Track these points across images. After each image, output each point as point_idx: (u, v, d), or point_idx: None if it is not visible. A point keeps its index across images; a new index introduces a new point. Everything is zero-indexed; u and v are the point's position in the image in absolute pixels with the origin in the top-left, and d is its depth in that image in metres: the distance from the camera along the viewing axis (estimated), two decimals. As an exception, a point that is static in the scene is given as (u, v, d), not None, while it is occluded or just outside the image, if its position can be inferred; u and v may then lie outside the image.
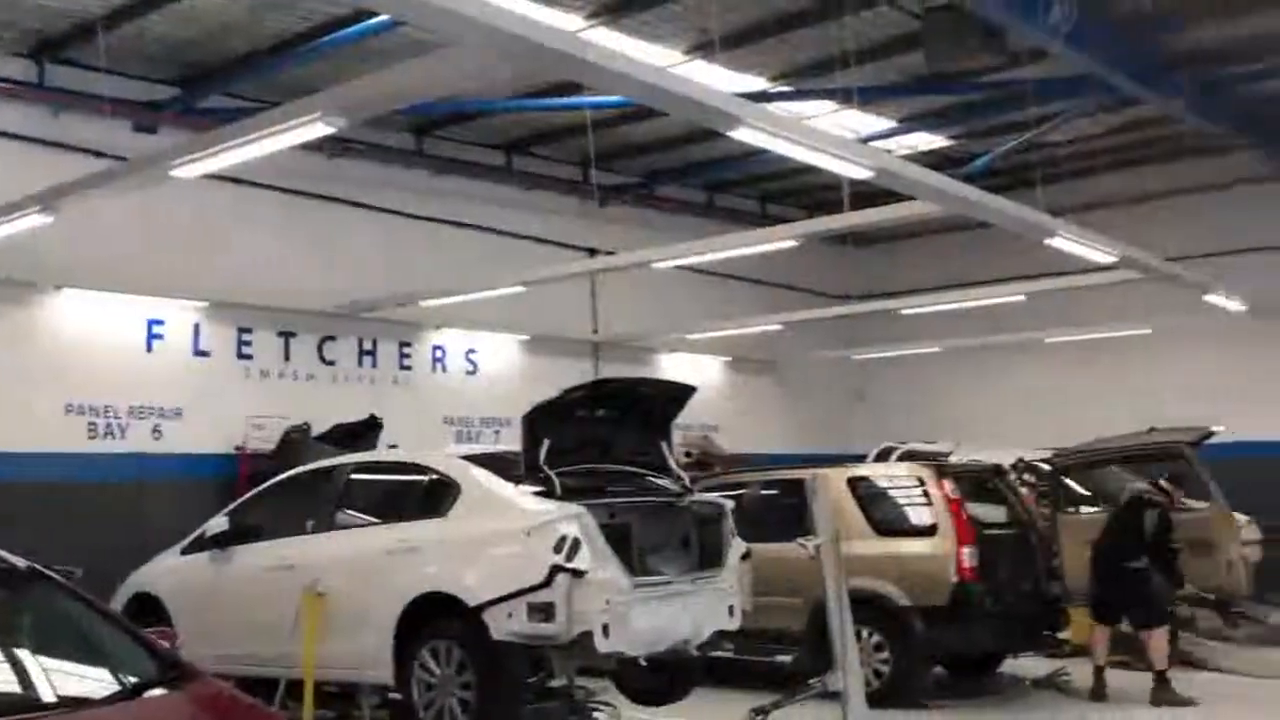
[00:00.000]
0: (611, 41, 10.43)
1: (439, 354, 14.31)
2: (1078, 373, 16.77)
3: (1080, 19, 9.89)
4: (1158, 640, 9.52)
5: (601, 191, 15.15)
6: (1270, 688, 9.96)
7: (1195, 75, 12.48)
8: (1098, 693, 9.65)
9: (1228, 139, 14.08)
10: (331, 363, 13.25)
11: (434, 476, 7.97)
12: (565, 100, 12.44)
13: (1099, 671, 9.76)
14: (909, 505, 9.84)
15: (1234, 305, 13.66)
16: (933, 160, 14.50)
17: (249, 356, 12.60)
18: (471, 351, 14.56)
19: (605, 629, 6.72)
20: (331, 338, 13.25)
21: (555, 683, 7.58)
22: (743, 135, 6.81)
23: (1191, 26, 11.42)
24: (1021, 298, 14.62)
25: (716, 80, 11.13)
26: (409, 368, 13.98)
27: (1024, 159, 13.88)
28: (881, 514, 9.86)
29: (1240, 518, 12.04)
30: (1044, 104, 12.30)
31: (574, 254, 15.05)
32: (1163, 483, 10.45)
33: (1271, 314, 14.29)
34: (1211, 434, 11.75)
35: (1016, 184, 14.34)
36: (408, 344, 13.98)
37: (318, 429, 12.19)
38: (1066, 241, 10.20)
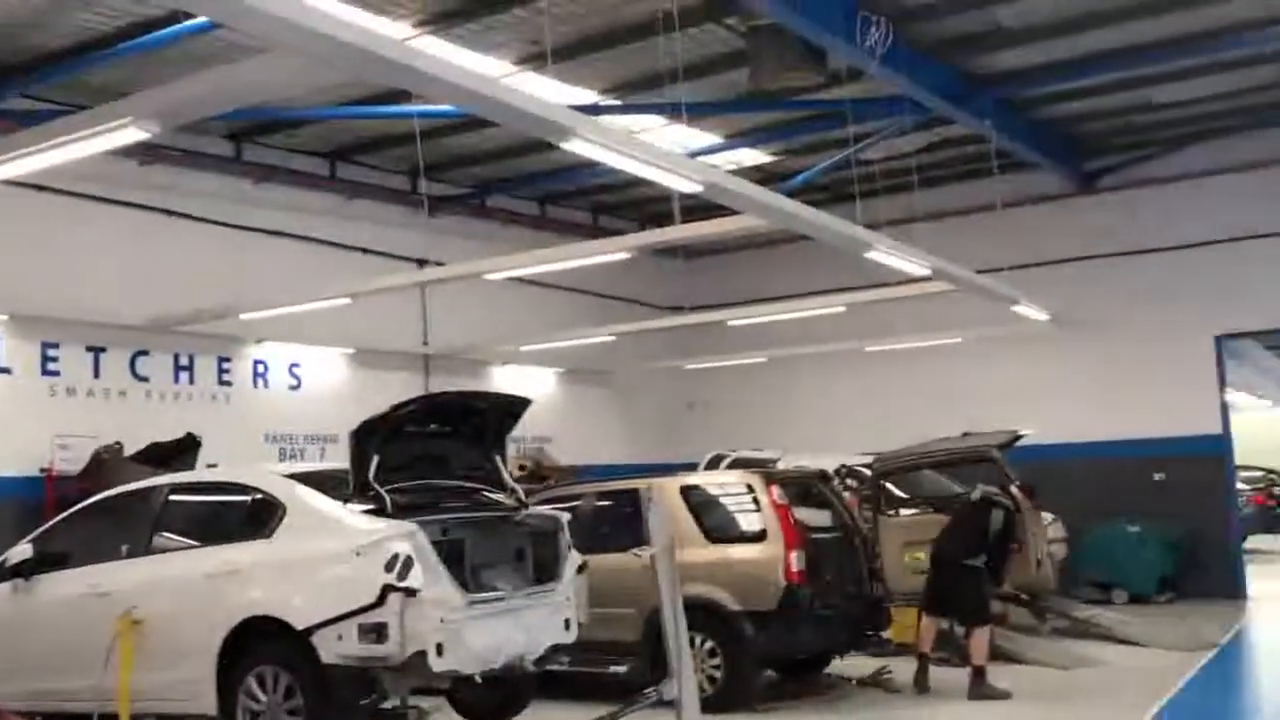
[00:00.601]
0: (441, 50, 10.31)
1: (261, 369, 13.83)
2: (896, 380, 17.47)
3: (895, 42, 10.35)
4: (980, 637, 9.94)
5: (431, 201, 14.95)
6: (1077, 678, 10.54)
7: (1000, 97, 13.20)
8: (921, 682, 10.03)
9: (1030, 158, 14.93)
10: (145, 379, 12.65)
11: (257, 496, 7.70)
12: (393, 109, 12.24)
13: (923, 660, 10.17)
14: (739, 512, 10.01)
15: (1038, 315, 14.47)
16: (757, 175, 14.92)
17: (55, 373, 11.92)
18: (295, 366, 14.13)
19: (439, 648, 6.62)
20: (145, 352, 12.65)
21: (388, 704, 7.40)
22: (574, 147, 6.84)
23: (996, 51, 12.08)
24: (842, 309, 15.12)
25: (548, 92, 11.15)
26: (228, 383, 13.47)
27: (843, 175, 14.38)
28: (713, 522, 10.00)
29: (1047, 516, 12.75)
30: (862, 122, 12.77)
31: (403, 265, 14.79)
32: (1014, 489, 10.92)
33: (1072, 323, 15.22)
34: (1020, 437, 12.39)
35: (836, 199, 14.89)
36: (227, 359, 13.47)
37: (131, 448, 11.62)
38: (883, 255, 10.61)
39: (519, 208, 16.89)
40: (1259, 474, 26.52)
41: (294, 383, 14.10)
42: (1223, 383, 15.91)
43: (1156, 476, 15.65)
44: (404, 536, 6.74)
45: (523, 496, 8.01)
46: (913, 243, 11.52)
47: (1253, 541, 21.75)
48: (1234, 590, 15.45)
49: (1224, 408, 15.88)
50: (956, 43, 11.79)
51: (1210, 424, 15.65)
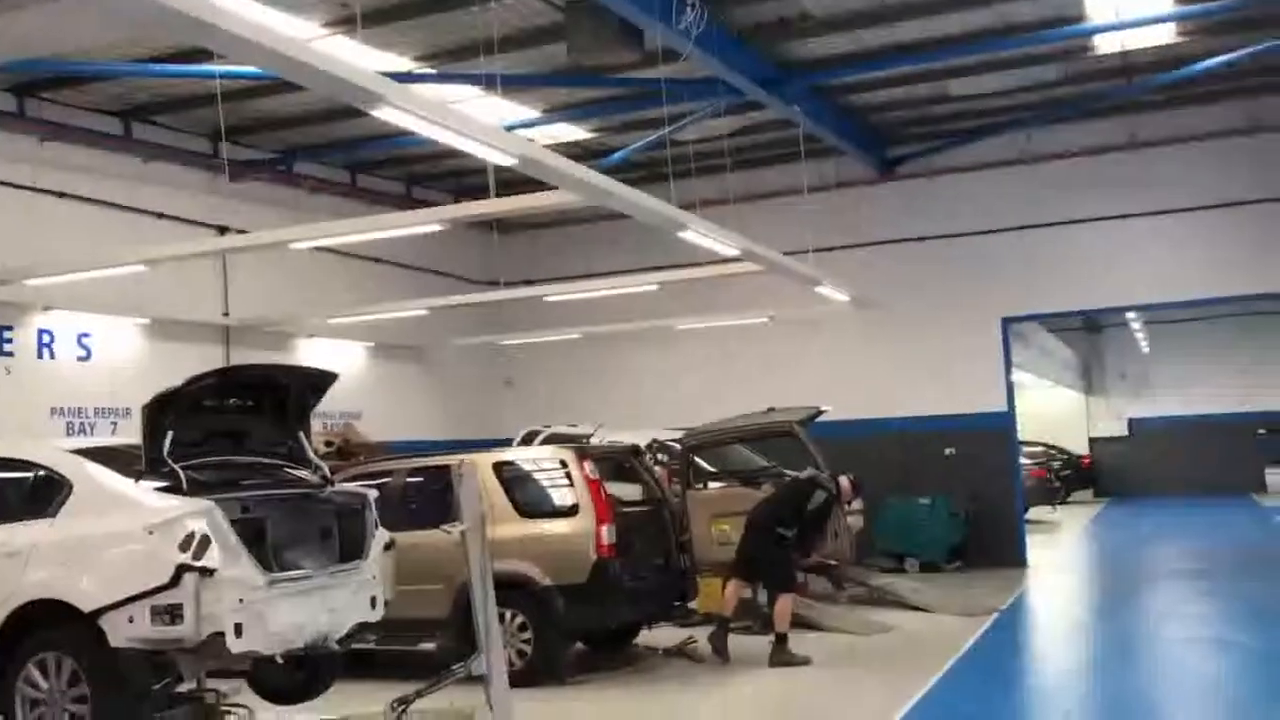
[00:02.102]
0: (247, 9, 9.87)
1: (46, 338, 12.97)
2: (708, 357, 17.83)
3: (709, 25, 10.51)
4: (783, 604, 10.29)
5: (233, 166, 14.35)
6: (872, 643, 11.06)
7: (809, 84, 13.60)
8: (719, 646, 10.30)
9: (836, 143, 15.44)
10: (-86, 348, 11.73)
11: (40, 473, 7.26)
12: (194, 68, 11.67)
13: (724, 624, 10.47)
14: (552, 487, 10.09)
15: (840, 296, 15.01)
16: (575, 151, 14.90)
17: None
18: (85, 336, 13.32)
19: (238, 628, 6.41)
20: (-86, 320, 11.73)
21: (184, 688, 7.12)
22: (385, 114, 6.67)
23: (805, 38, 12.42)
24: (655, 287, 15.32)
25: (358, 57, 10.84)
26: (10, 353, 12.58)
27: (659, 154, 14.54)
28: (526, 497, 10.04)
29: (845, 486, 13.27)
30: (677, 103, 12.93)
31: (202, 232, 14.15)
32: (843, 478, 11.30)
33: (870, 305, 15.83)
34: (820, 413, 12.86)
35: (652, 178, 15.03)
36: (8, 327, 12.57)
37: (-104, 423, 10.77)
38: (695, 234, 10.79)
39: (328, 175, 16.39)
40: (1040, 449, 28.38)
41: (83, 354, 13.30)
42: (1008, 363, 16.89)
43: (947, 452, 16.52)
44: (200, 514, 6.48)
45: (328, 473, 7.81)
46: (724, 224, 11.75)
47: (1033, 513, 23.27)
48: (1016, 559, 16.47)
49: (1009, 387, 16.86)
50: (768, 28, 12.07)
51: (996, 402, 16.59)
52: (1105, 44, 12.90)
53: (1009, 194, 16.39)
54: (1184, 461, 30.22)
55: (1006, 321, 16.77)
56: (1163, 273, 15.82)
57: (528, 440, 14.52)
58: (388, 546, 7.71)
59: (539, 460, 10.46)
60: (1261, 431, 29.51)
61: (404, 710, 6.97)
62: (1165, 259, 15.71)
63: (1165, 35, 12.61)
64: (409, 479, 10.54)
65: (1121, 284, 16.20)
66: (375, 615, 7.45)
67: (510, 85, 12.50)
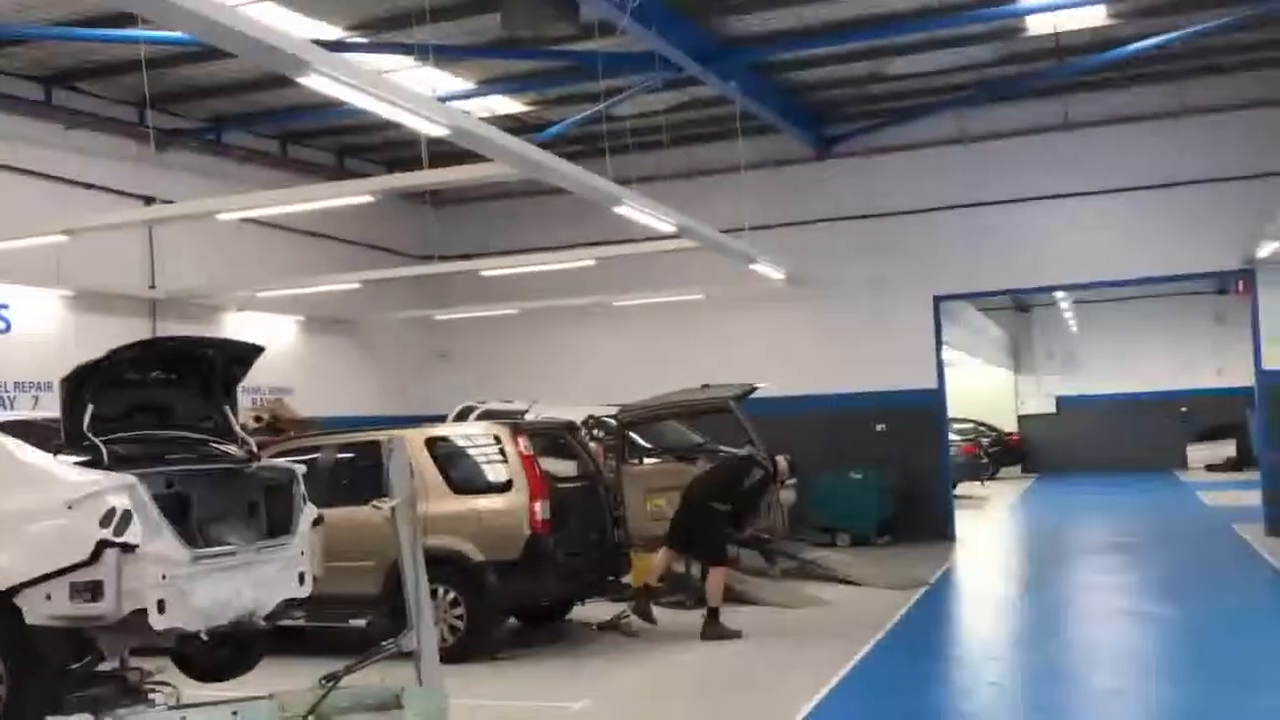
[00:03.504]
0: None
1: (-37, 310, 12.65)
2: (644, 334, 17.84)
3: (646, -2, 10.45)
4: (715, 578, 10.37)
5: (160, 135, 13.96)
6: (803, 616, 11.19)
7: (747, 61, 13.59)
8: (643, 611, 10.35)
9: (773, 121, 15.46)
10: None
11: (-47, 447, 7.02)
12: (118, 33, 11.34)
13: (649, 590, 10.56)
14: (486, 463, 10.05)
15: (775, 274, 15.09)
16: (511, 124, 14.78)
17: None
18: (4, 307, 12.96)
19: (161, 605, 6.28)
20: None
21: (106, 666, 6.98)
22: (314, 83, 6.55)
23: (743, 14, 12.40)
24: (592, 262, 15.28)
25: (289, 25, 10.63)
26: (-76, 325, 12.25)
27: (595, 129, 14.45)
28: (459, 473, 10.00)
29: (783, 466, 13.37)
30: (614, 77, 12.85)
31: (127, 202, 13.82)
32: (781, 458, 11.36)
33: (806, 282, 15.96)
34: (754, 389, 12.93)
35: (588, 153, 14.92)
36: (-76, 298, 12.24)
37: None
38: (632, 210, 10.76)
39: (258, 145, 16.08)
40: (969, 426, 28.83)
41: (2, 326, 12.95)
42: (939, 341, 17.10)
43: (879, 427, 16.72)
44: (121, 489, 6.33)
45: (254, 448, 7.68)
46: (662, 200, 11.73)
47: (962, 488, 23.66)
48: (945, 533, 16.74)
49: (940, 364, 17.07)
50: (705, 3, 12.02)
51: (927, 379, 16.81)
52: (1038, 25, 13.04)
53: (943, 174, 16.56)
54: (1110, 439, 30.88)
55: (938, 300, 16.97)
56: (1091, 253, 16.10)
57: (462, 416, 14.45)
58: (316, 522, 7.59)
59: (472, 436, 10.41)
60: (1184, 410, 30.25)
61: (333, 686, 6.86)
62: (1094, 239, 15.98)
63: (1097, 17, 12.78)
64: (339, 454, 10.42)
65: (1051, 264, 16.48)
66: (303, 591, 7.35)
67: (444, 56, 12.33)
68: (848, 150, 17.06)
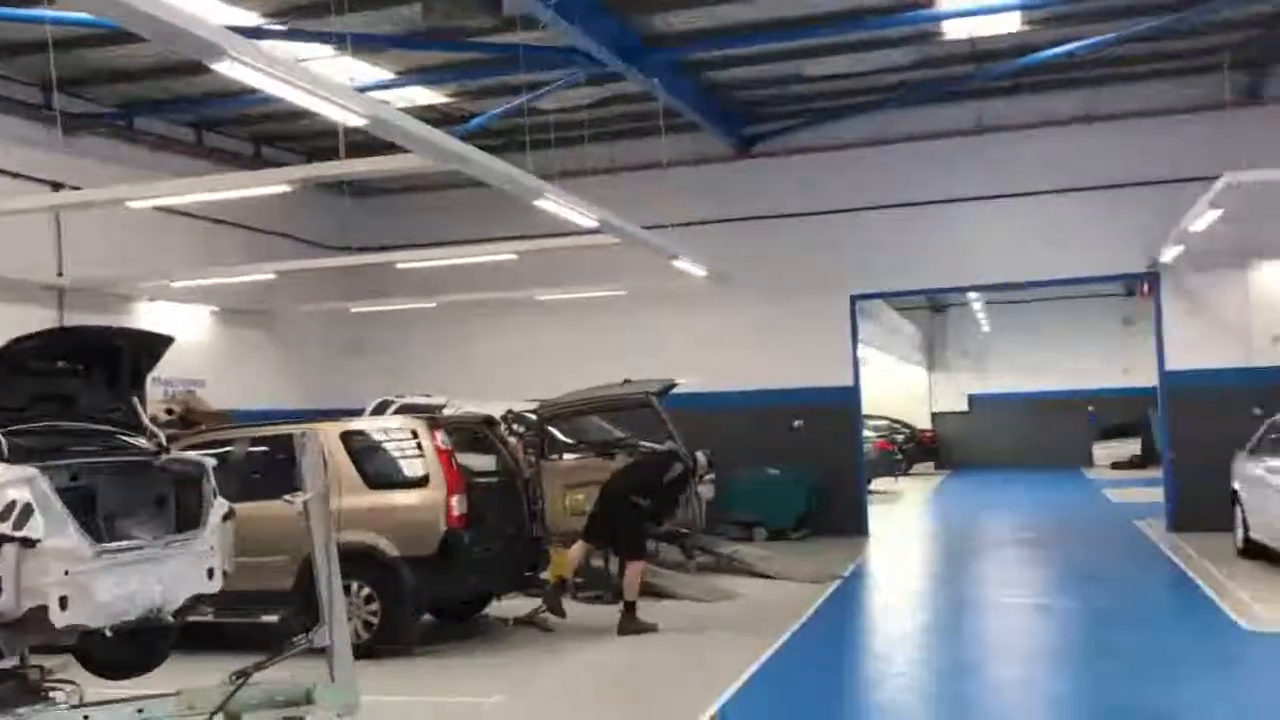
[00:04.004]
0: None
1: None
2: (566, 329, 17.82)
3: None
4: (633, 573, 10.42)
5: (68, 119, 13.62)
6: (720, 610, 11.29)
7: (669, 58, 13.64)
8: (555, 606, 10.34)
9: (695, 119, 15.54)
10: None
11: None
12: (20, 11, 10.98)
13: (562, 584, 10.57)
14: (402, 458, 9.96)
15: (697, 271, 15.17)
16: (430, 116, 14.61)
17: None
18: (-99, 295, 12.55)
19: (63, 601, 6.10)
20: None
21: (4, 664, 6.78)
22: (227, 69, 6.42)
23: (666, 12, 12.44)
24: (513, 256, 15.22)
25: (204, 9, 10.41)
26: None
27: (517, 122, 14.41)
28: (374, 467, 9.91)
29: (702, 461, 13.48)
30: (536, 71, 12.82)
31: (33, 187, 13.41)
32: (700, 453, 11.43)
33: (726, 280, 16.05)
34: (674, 385, 13.00)
35: (510, 146, 14.89)
36: None
37: None
38: (553, 204, 10.74)
39: (171, 132, 15.73)
40: (883, 422, 29.33)
41: (-101, 314, 12.51)
42: (855, 339, 17.35)
43: (796, 424, 16.93)
44: (21, 482, 6.13)
45: (164, 441, 7.51)
46: (584, 195, 11.73)
47: (877, 484, 24.06)
48: (859, 528, 17.01)
49: (855, 362, 17.32)
50: (628, 0, 12.04)
51: (844, 377, 17.05)
52: (955, 30, 13.28)
53: (862, 175, 16.80)
54: (1020, 436, 31.67)
55: (855, 299, 17.22)
56: (1004, 255, 16.47)
57: (380, 410, 14.29)
58: (227, 516, 7.45)
59: (389, 430, 10.32)
60: (1091, 409, 31.11)
61: (242, 683, 6.76)
62: (1007, 242, 16.35)
63: (1011, 24, 13.06)
64: (252, 448, 10.25)
65: (965, 265, 16.82)
66: (213, 587, 7.21)
67: (364, 45, 12.19)
68: (769, 150, 17.22)
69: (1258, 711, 7.31)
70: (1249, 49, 14.37)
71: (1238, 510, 12.95)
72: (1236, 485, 13.02)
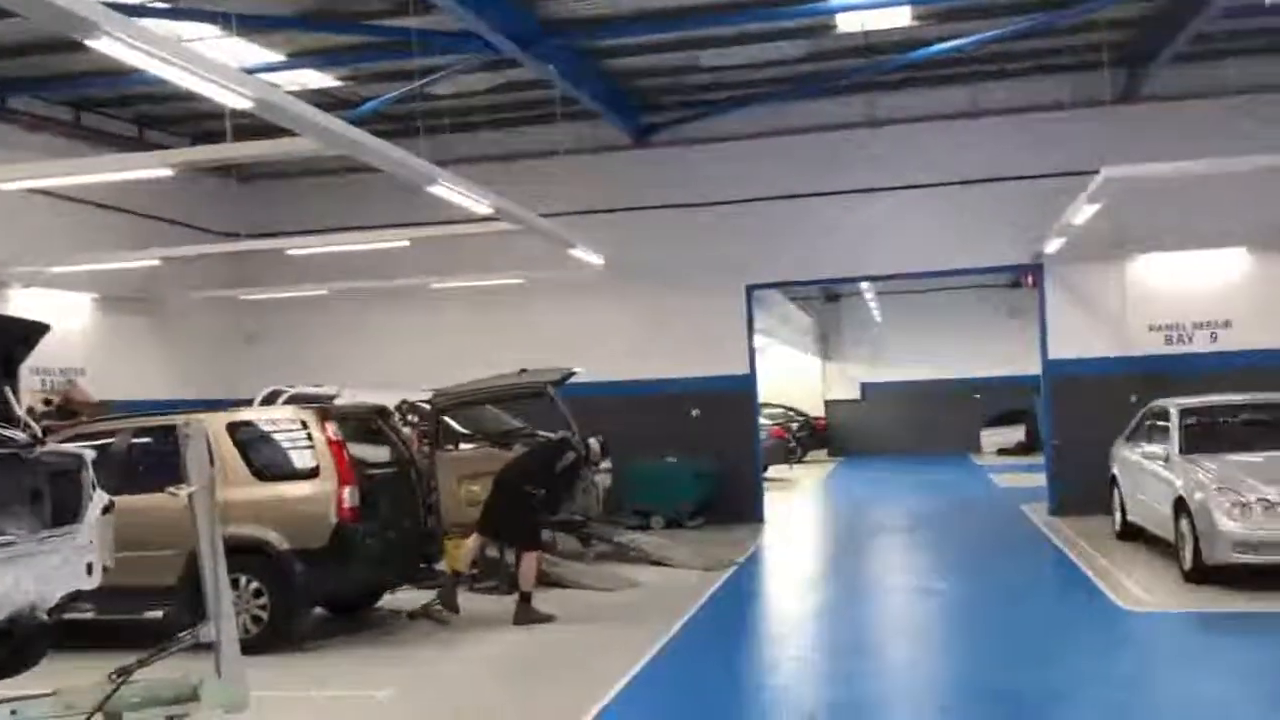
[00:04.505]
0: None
1: None
2: (462, 317, 17.65)
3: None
4: (529, 563, 10.37)
5: (-66, 97, 13.03)
6: (617, 599, 11.31)
7: (567, 45, 13.57)
8: (449, 600, 10.27)
9: (593, 107, 15.50)
10: None
11: None
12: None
13: (456, 576, 10.49)
14: (291, 449, 9.79)
15: (593, 259, 15.17)
16: (321, 99, 14.31)
17: None
18: None
19: (-71, 600, 5.86)
20: None
21: None
22: (104, 47, 6.19)
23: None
24: (406, 243, 15.02)
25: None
26: None
27: (411, 108, 14.20)
28: (263, 459, 9.73)
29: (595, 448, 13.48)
30: (431, 55, 12.64)
31: (-103, 168, 12.77)
32: (594, 440, 11.37)
33: (623, 269, 16.10)
34: (572, 374, 12.98)
35: (405, 132, 14.66)
36: None
37: None
38: (447, 190, 10.62)
39: (47, 112, 15.09)
40: (779, 411, 29.74)
41: None
42: (751, 328, 17.53)
43: (693, 413, 17.04)
44: (-116, 477, 5.87)
45: (39, 432, 7.23)
46: (479, 182, 11.61)
47: (772, 471, 24.39)
48: (755, 514, 17.22)
49: (751, 352, 17.51)
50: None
51: (740, 366, 17.21)
52: (847, 23, 13.46)
53: (758, 165, 16.94)
54: (910, 424, 32.39)
55: (751, 289, 17.39)
56: (895, 246, 16.79)
57: (270, 400, 13.99)
58: (106, 510, 7.22)
59: (277, 421, 10.12)
60: (978, 396, 31.97)
61: (123, 681, 6.56)
62: (898, 233, 16.68)
63: (901, 18, 13.31)
64: (135, 439, 9.94)
65: (857, 256, 17.10)
66: (91, 583, 6.97)
67: (251, 26, 11.88)
68: (666, 139, 17.27)
69: (1135, 688, 7.59)
70: (1128, 47, 14.87)
71: (1116, 494, 13.44)
72: (1115, 470, 13.50)
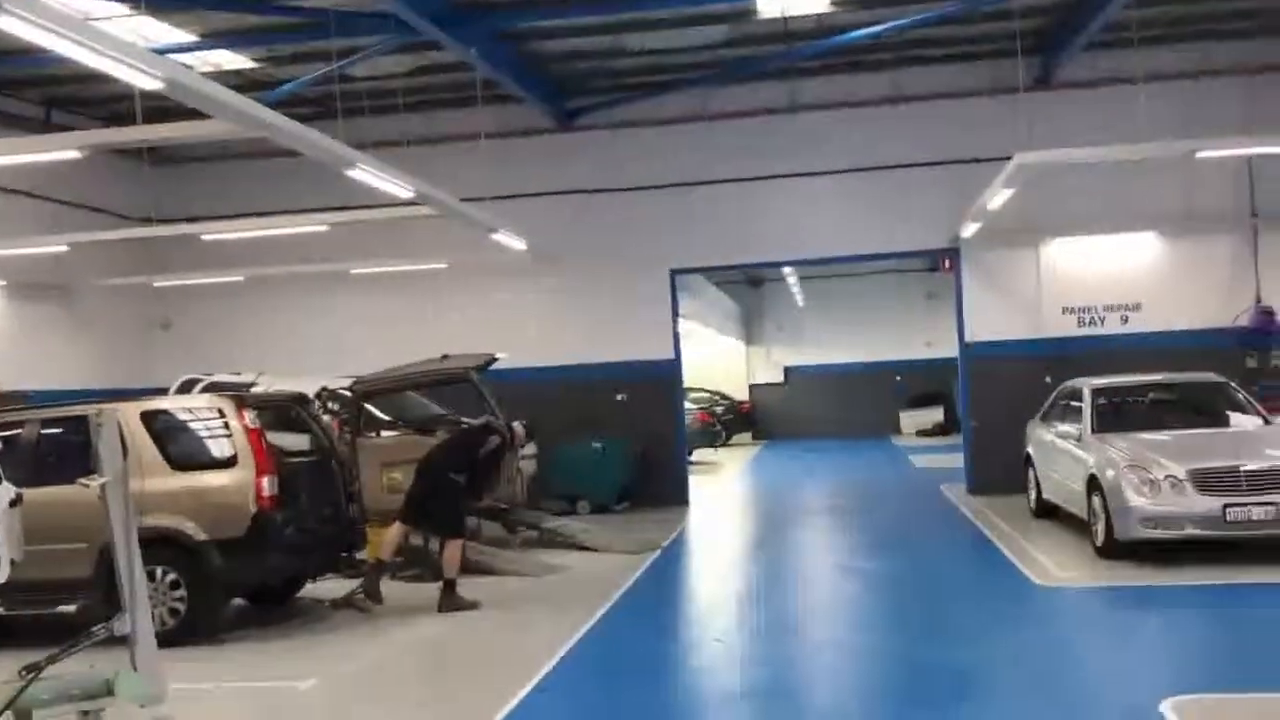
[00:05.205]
0: None
1: None
2: (384, 303, 17.44)
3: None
4: (453, 550, 10.31)
5: None
6: (543, 584, 11.31)
7: (488, 27, 13.44)
8: (372, 590, 10.17)
9: (515, 91, 15.39)
10: None
11: None
12: None
13: (380, 565, 10.40)
14: (209, 438, 9.62)
15: (517, 244, 15.09)
16: (236, 81, 14.03)
17: None
18: None
19: None
20: None
21: None
22: (7, 25, 5.98)
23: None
24: (325, 228, 14.81)
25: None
26: None
27: (329, 90, 13.97)
28: (179, 448, 9.55)
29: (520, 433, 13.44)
30: (348, 36, 12.44)
31: None
32: (517, 424, 11.29)
33: (548, 254, 16.03)
34: (495, 360, 12.91)
35: (323, 115, 14.43)
36: None
37: None
38: (366, 174, 10.48)
39: (-52, 93, 14.61)
40: (704, 395, 29.90)
41: None
42: (675, 313, 17.58)
43: (619, 397, 17.06)
44: None
45: (-59, 423, 7.02)
46: (401, 166, 11.47)
47: (697, 455, 24.53)
48: (680, 498, 17.31)
49: (676, 336, 17.57)
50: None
51: (665, 350, 17.26)
52: (768, 8, 13.52)
53: (682, 150, 16.96)
54: (833, 406, 32.80)
55: (675, 273, 17.43)
56: (817, 231, 16.94)
57: (186, 388, 13.75)
58: (14, 503, 7.01)
59: (193, 409, 9.92)
60: (898, 379, 32.48)
61: (33, 677, 6.40)
62: (820, 218, 16.83)
63: (821, 4, 13.40)
64: (43, 430, 9.68)
65: (781, 240, 17.22)
66: None
67: (161, 4, 11.58)
68: (590, 123, 17.21)
69: (1048, 659, 7.79)
70: (1042, 35, 15.16)
71: (1031, 473, 13.76)
72: (1029, 450, 13.82)
